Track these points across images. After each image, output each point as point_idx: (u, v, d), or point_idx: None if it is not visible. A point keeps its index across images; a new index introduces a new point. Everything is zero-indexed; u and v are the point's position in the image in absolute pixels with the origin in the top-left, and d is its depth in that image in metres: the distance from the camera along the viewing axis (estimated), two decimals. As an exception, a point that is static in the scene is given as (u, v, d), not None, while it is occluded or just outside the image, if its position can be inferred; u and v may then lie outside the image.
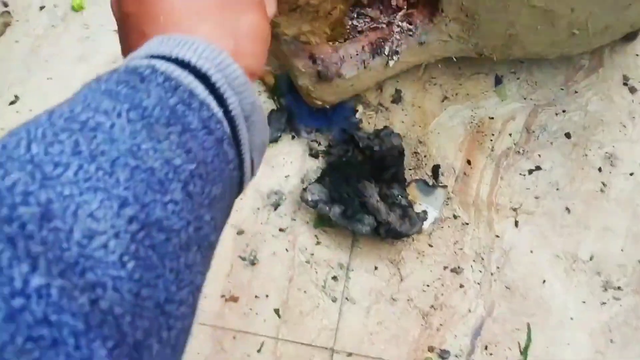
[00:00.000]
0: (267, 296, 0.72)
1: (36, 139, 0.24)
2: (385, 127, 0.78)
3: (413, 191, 0.77)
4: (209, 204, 0.29)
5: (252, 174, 0.36)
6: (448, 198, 0.77)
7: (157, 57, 0.31)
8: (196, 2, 0.35)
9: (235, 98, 0.32)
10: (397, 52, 0.76)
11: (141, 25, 0.35)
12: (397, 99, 0.84)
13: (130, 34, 0.36)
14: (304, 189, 0.73)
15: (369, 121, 0.83)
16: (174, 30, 0.34)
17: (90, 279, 0.21)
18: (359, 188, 0.72)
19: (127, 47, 0.36)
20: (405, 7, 0.76)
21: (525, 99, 0.83)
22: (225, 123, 0.31)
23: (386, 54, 0.76)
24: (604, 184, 0.76)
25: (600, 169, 0.77)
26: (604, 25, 0.73)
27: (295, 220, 0.76)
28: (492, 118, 0.82)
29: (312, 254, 0.75)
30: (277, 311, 0.72)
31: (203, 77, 0.31)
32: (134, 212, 0.24)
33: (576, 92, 0.83)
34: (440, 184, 0.78)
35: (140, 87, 0.28)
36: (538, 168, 0.78)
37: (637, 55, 0.85)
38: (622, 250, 0.73)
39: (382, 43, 0.76)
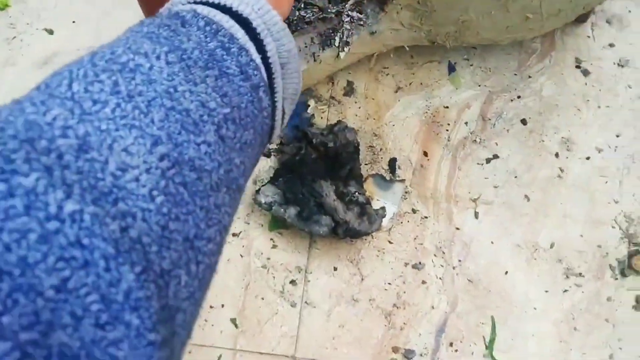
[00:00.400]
0: (222, 306, 0.69)
1: (77, 78, 0.25)
2: (339, 121, 0.75)
3: (370, 187, 0.75)
4: (239, 148, 0.29)
5: (282, 123, 0.36)
6: (406, 192, 0.75)
7: (199, 3, 0.31)
8: None
9: (273, 45, 0.32)
10: (347, 43, 0.73)
11: None
12: (349, 91, 0.81)
13: None
14: (257, 191, 0.70)
15: (322, 116, 0.79)
16: None
17: (121, 208, 0.22)
18: (314, 188, 0.69)
19: None
20: (354, -5, 0.73)
21: (479, 86, 0.81)
22: (262, 70, 0.32)
23: (337, 45, 0.73)
24: (561, 170, 0.75)
25: (557, 155, 0.76)
26: (557, 8, 0.71)
27: (248, 224, 0.72)
28: (447, 107, 0.80)
29: (269, 259, 0.71)
30: (233, 321, 0.68)
31: (244, 23, 0.31)
32: (166, 150, 0.25)
33: (530, 77, 0.82)
34: (397, 178, 0.75)
35: (180, 30, 0.29)
36: (495, 156, 0.76)
37: (588, 37, 0.84)
38: (581, 236, 0.72)
39: (332, 34, 0.73)
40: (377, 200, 0.74)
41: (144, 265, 0.22)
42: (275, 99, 0.34)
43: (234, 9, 0.31)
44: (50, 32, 0.89)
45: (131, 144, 0.24)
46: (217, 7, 0.31)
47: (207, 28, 0.30)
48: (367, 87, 0.81)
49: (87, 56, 0.27)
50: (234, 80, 0.30)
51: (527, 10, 0.70)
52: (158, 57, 0.27)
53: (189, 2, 0.32)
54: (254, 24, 0.32)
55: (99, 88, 0.25)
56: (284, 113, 0.36)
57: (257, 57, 0.31)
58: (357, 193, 0.71)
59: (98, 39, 0.88)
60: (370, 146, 0.78)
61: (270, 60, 0.32)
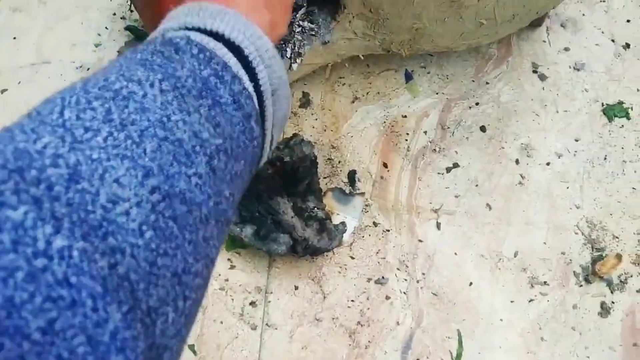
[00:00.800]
0: (178, 333, 0.65)
1: (70, 105, 0.25)
2: (295, 134, 0.73)
3: (330, 201, 0.73)
4: (230, 180, 0.29)
5: (270, 149, 0.36)
6: (367, 205, 0.73)
7: (191, 29, 0.31)
8: None
9: (265, 72, 0.32)
10: (300, 54, 0.71)
11: None
12: (305, 102, 0.79)
13: None
14: (211, 211, 0.67)
15: (278, 128, 0.77)
16: None
17: (111, 243, 0.21)
18: (271, 205, 0.67)
19: (158, 5, 0.36)
20: (305, 4, 0.71)
21: (437, 93, 0.80)
22: (254, 98, 0.32)
23: (288, 56, 0.71)
24: (522, 177, 0.74)
25: (517, 161, 0.75)
26: (511, 13, 0.70)
27: (204, 245, 0.69)
28: (405, 116, 0.78)
29: (227, 280, 0.68)
30: (192, 347, 0.65)
31: (236, 50, 0.31)
32: (157, 182, 0.24)
33: (487, 83, 0.81)
34: (357, 191, 0.73)
35: (174, 57, 0.29)
36: (456, 165, 0.75)
37: (544, 41, 0.83)
38: (544, 243, 0.71)
39: (284, 45, 0.70)
40: (337, 214, 0.72)
41: (131, 304, 0.21)
42: (265, 127, 0.33)
43: (226, 36, 0.31)
44: (-10, 49, 0.85)
45: (123, 175, 0.23)
46: (210, 34, 0.31)
47: (201, 55, 0.29)
48: (324, 98, 0.79)
49: (79, 83, 0.27)
50: (227, 110, 0.29)
51: (481, 17, 0.69)
52: (152, 85, 0.27)
53: (182, 29, 0.32)
54: (246, 52, 0.31)
55: (91, 115, 0.24)
56: (272, 139, 0.35)
57: (249, 86, 0.31)
58: (316, 208, 0.69)
59: (40, 54, 0.84)
60: (328, 159, 0.76)
61: (262, 88, 0.32)
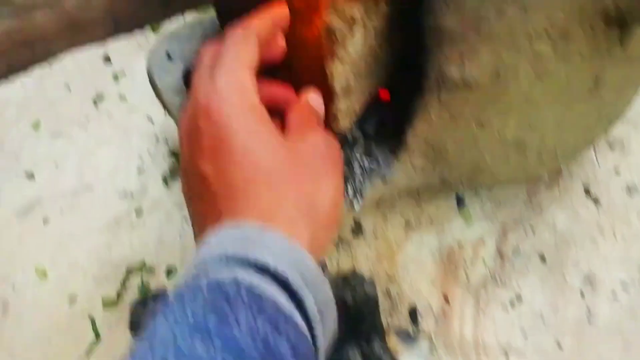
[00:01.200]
0: None
1: None
2: (354, 272, 0.71)
3: (393, 342, 0.70)
4: None
5: None
6: (432, 343, 0.70)
7: (233, 259, 0.30)
8: (276, 174, 0.34)
9: (311, 298, 0.31)
10: (362, 194, 0.69)
11: (216, 199, 0.34)
12: (357, 231, 0.77)
13: (204, 204, 0.35)
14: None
15: (332, 259, 0.75)
16: (251, 213, 0.33)
17: None
18: (341, 355, 0.64)
19: (199, 216, 0.36)
20: (362, 139, 0.70)
21: (491, 220, 0.79)
22: (309, 338, 0.31)
23: (350, 195, 0.69)
24: (589, 310, 0.72)
25: (582, 293, 0.73)
26: (571, 146, 0.70)
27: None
28: (461, 244, 0.77)
29: None
30: None
31: (282, 280, 0.31)
32: None
33: (541, 208, 0.79)
34: (420, 330, 0.71)
35: (227, 312, 0.28)
36: (519, 298, 0.73)
37: (592, 162, 0.83)
38: (620, 385, 0.68)
39: (345, 183, 0.69)
40: (403, 357, 0.69)
41: None
42: (319, 354, 0.32)
43: (272, 270, 0.30)
44: (31, 175, 0.83)
45: None
46: (255, 265, 0.30)
47: (254, 306, 0.28)
48: (375, 226, 0.78)
49: None
50: None
51: (543, 154, 0.69)
52: None
53: (222, 258, 0.31)
54: (294, 287, 0.31)
55: None
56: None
57: (301, 322, 0.30)
58: (382, 352, 0.66)
59: (81, 181, 0.82)
60: (387, 292, 0.73)
61: (312, 323, 0.31)
